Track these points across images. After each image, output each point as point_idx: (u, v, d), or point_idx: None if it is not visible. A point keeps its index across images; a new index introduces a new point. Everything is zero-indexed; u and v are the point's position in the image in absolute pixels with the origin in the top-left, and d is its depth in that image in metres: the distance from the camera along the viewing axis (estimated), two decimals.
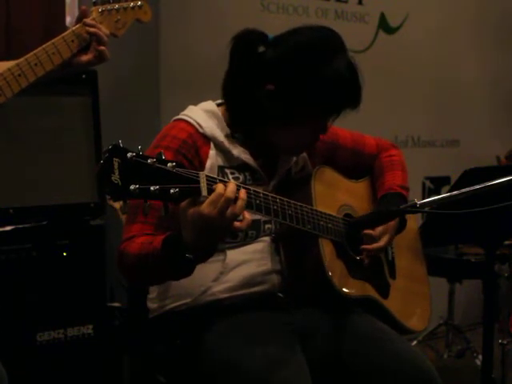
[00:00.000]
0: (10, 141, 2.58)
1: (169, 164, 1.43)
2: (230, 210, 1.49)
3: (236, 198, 1.50)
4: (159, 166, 1.42)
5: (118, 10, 1.99)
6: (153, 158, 1.41)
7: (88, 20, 1.93)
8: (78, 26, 1.93)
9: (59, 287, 2.62)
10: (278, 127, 1.81)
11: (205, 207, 1.48)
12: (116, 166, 1.37)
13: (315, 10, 3.68)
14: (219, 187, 1.49)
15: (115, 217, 2.52)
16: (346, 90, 1.77)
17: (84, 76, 2.69)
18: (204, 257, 1.58)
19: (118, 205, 2.51)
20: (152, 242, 1.62)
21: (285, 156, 1.91)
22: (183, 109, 1.89)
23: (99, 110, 2.78)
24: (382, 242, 1.89)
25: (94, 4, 1.97)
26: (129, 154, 1.39)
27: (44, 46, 1.86)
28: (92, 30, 1.91)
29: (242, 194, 1.52)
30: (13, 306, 2.53)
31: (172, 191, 1.42)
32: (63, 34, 1.90)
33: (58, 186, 2.67)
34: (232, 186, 1.50)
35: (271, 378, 1.62)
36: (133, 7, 2.01)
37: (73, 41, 1.90)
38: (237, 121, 1.84)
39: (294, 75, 1.75)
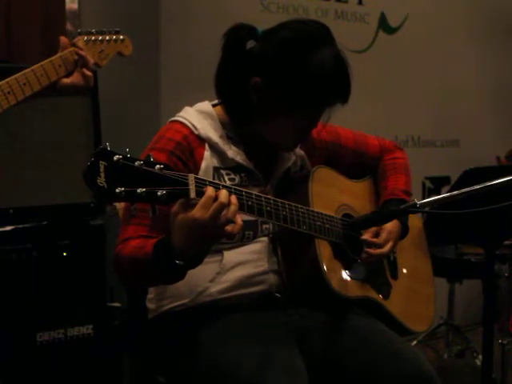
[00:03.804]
0: (10, 141, 2.58)
1: (156, 166, 1.43)
2: (223, 215, 1.49)
3: (228, 203, 1.50)
4: (146, 168, 1.42)
5: (101, 42, 2.11)
6: (140, 161, 1.42)
7: (78, 43, 2.02)
8: (65, 51, 2.01)
9: (59, 287, 2.62)
10: (266, 121, 1.80)
11: (196, 211, 1.48)
12: (102, 168, 1.38)
13: (315, 10, 3.68)
14: (209, 190, 1.49)
15: (115, 217, 2.52)
16: (331, 81, 1.75)
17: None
18: (195, 262, 1.57)
19: (118, 204, 2.51)
20: (144, 247, 1.62)
21: (280, 151, 1.90)
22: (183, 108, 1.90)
23: (99, 109, 2.78)
24: (385, 249, 1.88)
25: (79, 34, 2.08)
26: (115, 157, 1.39)
27: (33, 67, 1.95)
28: (81, 52, 2.01)
29: (234, 199, 1.52)
30: (13, 306, 2.53)
31: (159, 193, 1.42)
32: (51, 58, 1.98)
33: (58, 186, 2.67)
34: (224, 191, 1.51)
35: (269, 379, 1.61)
36: (115, 40, 2.14)
37: (60, 65, 1.98)
38: (230, 115, 1.84)
39: (278, 67, 1.75)
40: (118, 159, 1.40)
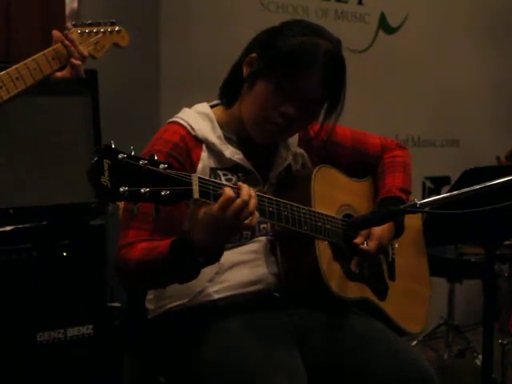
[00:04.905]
0: (9, 141, 2.58)
1: (161, 166, 1.43)
2: (245, 211, 1.51)
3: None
4: (150, 167, 1.41)
5: (96, 33, 2.10)
6: (144, 160, 1.41)
7: (69, 34, 2.01)
8: (58, 44, 2.00)
9: (59, 287, 2.62)
10: (247, 95, 1.80)
11: (217, 211, 1.49)
12: (106, 167, 1.36)
13: (315, 10, 3.68)
14: (227, 190, 1.50)
15: (115, 217, 2.52)
16: (313, 66, 1.75)
17: (84, 76, 2.69)
18: (214, 259, 1.59)
19: (121, 204, 2.51)
20: (156, 248, 1.63)
21: (259, 141, 1.85)
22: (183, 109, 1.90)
23: (99, 109, 2.78)
24: (374, 256, 1.88)
25: (74, 26, 2.08)
26: (120, 156, 1.38)
27: (26, 61, 1.93)
28: (66, 42, 1.99)
29: (253, 192, 1.54)
30: (13, 306, 2.52)
31: (163, 193, 1.42)
32: (44, 51, 1.96)
33: (58, 186, 2.67)
34: (246, 188, 1.52)
35: (269, 379, 1.61)
36: (111, 31, 2.13)
37: (53, 58, 1.98)
38: (222, 94, 1.88)
39: (271, 40, 1.79)
40: (123, 158, 1.38)
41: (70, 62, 1.99)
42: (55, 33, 2.01)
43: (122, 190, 1.37)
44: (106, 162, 1.37)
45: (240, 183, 1.55)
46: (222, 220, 1.49)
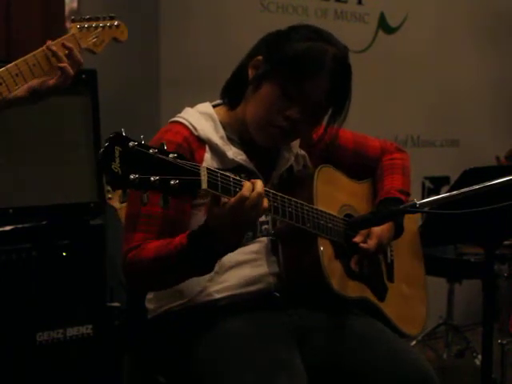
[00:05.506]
0: (9, 141, 2.58)
1: (170, 155, 1.43)
2: (259, 203, 1.55)
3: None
4: (160, 156, 1.42)
5: (95, 28, 2.09)
6: (155, 149, 1.42)
7: (66, 42, 1.98)
8: (54, 42, 1.98)
9: (59, 287, 2.62)
10: (252, 97, 1.81)
11: (235, 203, 1.52)
12: (117, 154, 1.37)
13: (315, 9, 3.68)
14: (247, 185, 1.54)
15: (115, 217, 2.52)
16: (320, 72, 1.76)
17: (84, 76, 2.69)
18: (232, 248, 1.62)
19: (118, 204, 2.51)
20: (170, 242, 1.64)
21: (261, 144, 1.86)
22: (183, 109, 1.89)
23: (99, 109, 2.78)
24: (374, 254, 1.89)
25: (73, 21, 2.07)
26: (131, 143, 1.39)
27: (25, 57, 1.92)
28: (53, 48, 1.95)
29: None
30: (12, 306, 2.53)
31: (172, 182, 1.42)
32: (43, 47, 1.95)
33: (57, 185, 2.67)
34: (260, 182, 1.56)
35: (269, 379, 1.62)
36: (110, 26, 2.12)
37: (53, 55, 1.95)
38: (226, 95, 1.88)
39: (278, 44, 1.79)
40: (133, 145, 1.39)
41: (57, 67, 1.97)
42: (48, 43, 2.00)
43: (132, 177, 1.38)
44: (117, 149, 1.37)
45: (253, 180, 1.58)
46: (240, 212, 1.52)
